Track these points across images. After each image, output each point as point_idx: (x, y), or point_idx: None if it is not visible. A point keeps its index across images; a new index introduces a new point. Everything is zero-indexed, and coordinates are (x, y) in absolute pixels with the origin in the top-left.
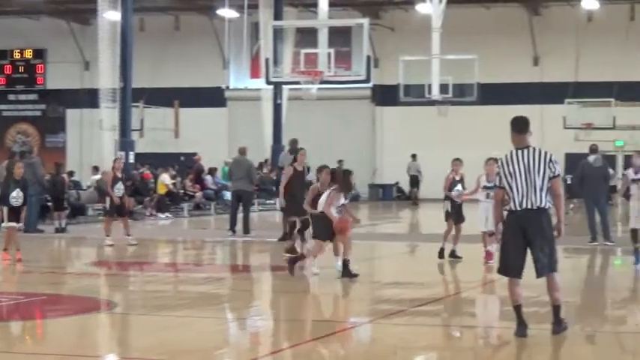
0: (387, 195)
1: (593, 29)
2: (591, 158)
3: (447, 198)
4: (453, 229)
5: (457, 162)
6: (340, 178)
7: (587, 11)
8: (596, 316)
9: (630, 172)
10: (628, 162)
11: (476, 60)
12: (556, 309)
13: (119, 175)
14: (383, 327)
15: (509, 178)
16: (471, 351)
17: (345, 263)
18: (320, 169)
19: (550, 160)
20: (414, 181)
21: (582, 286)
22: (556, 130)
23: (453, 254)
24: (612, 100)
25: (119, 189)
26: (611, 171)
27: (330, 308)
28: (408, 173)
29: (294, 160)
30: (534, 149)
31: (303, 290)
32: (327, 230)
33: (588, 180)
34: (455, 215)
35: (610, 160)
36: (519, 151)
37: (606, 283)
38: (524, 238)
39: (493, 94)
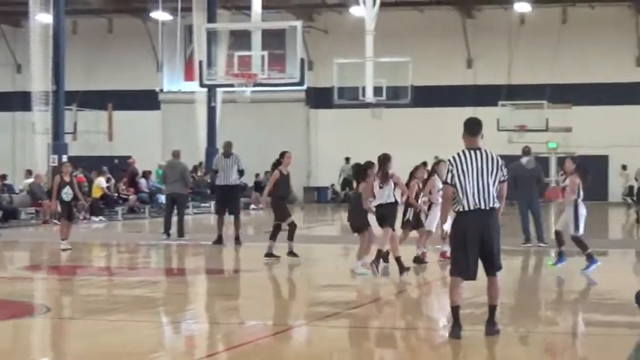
0: (322, 197)
1: (526, 32)
2: (524, 160)
3: (409, 206)
4: (408, 236)
5: (422, 168)
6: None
7: (520, 14)
8: (528, 317)
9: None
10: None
11: (409, 63)
12: (492, 309)
13: (67, 179)
14: (319, 329)
15: (461, 177)
16: (407, 352)
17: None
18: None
19: (502, 165)
20: (348, 185)
21: (515, 288)
22: (489, 133)
23: (418, 260)
24: (545, 102)
25: (67, 193)
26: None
27: (265, 311)
28: (340, 176)
29: (279, 163)
30: (486, 151)
31: (238, 293)
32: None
33: (521, 182)
34: (415, 221)
35: (543, 161)
36: (471, 152)
37: (539, 284)
38: (479, 238)
39: (427, 96)
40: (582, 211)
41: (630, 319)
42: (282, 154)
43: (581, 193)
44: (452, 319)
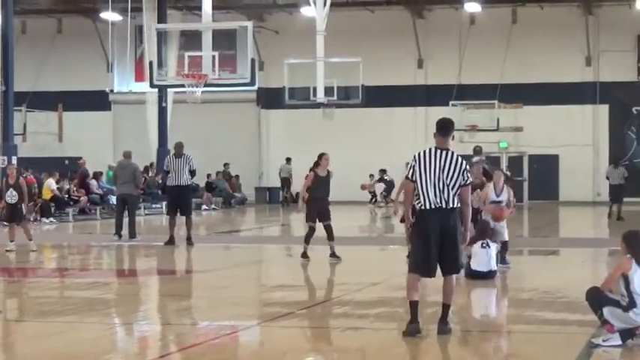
0: (273, 198)
1: (476, 32)
2: (475, 159)
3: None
4: None
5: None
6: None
7: (470, 14)
8: (480, 316)
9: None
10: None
11: (360, 63)
12: (446, 308)
13: (11, 182)
14: (270, 329)
15: (422, 174)
16: (359, 352)
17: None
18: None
19: (465, 169)
20: (285, 183)
21: (467, 287)
22: None
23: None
24: (496, 102)
25: (10, 195)
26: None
27: (216, 311)
28: (279, 175)
29: (317, 165)
30: (452, 153)
31: (190, 294)
32: None
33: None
34: None
35: (494, 161)
36: (438, 151)
37: (491, 283)
38: (439, 237)
39: (378, 96)
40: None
41: (580, 317)
42: (320, 156)
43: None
44: (410, 315)
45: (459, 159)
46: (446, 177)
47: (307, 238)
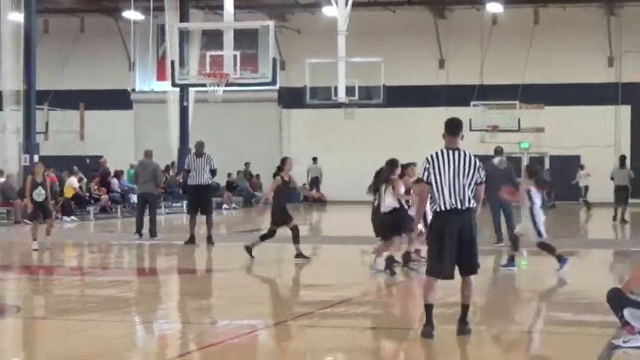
0: (294, 197)
1: (498, 32)
2: (496, 160)
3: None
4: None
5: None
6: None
7: (492, 15)
8: (500, 317)
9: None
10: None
11: (382, 63)
12: (465, 309)
13: (39, 179)
14: (290, 329)
15: (437, 176)
16: (379, 352)
17: None
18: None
19: (479, 167)
20: (315, 183)
21: (487, 287)
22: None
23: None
24: (517, 102)
25: (38, 194)
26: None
27: (237, 311)
28: (308, 175)
29: (280, 169)
30: (465, 152)
31: (209, 293)
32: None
33: (493, 182)
34: None
35: (515, 162)
36: (450, 151)
37: (511, 284)
38: (456, 238)
39: (399, 96)
40: (540, 217)
41: (602, 318)
42: (283, 160)
43: (536, 200)
44: (425, 318)
45: (472, 157)
46: (463, 176)
47: (265, 237)
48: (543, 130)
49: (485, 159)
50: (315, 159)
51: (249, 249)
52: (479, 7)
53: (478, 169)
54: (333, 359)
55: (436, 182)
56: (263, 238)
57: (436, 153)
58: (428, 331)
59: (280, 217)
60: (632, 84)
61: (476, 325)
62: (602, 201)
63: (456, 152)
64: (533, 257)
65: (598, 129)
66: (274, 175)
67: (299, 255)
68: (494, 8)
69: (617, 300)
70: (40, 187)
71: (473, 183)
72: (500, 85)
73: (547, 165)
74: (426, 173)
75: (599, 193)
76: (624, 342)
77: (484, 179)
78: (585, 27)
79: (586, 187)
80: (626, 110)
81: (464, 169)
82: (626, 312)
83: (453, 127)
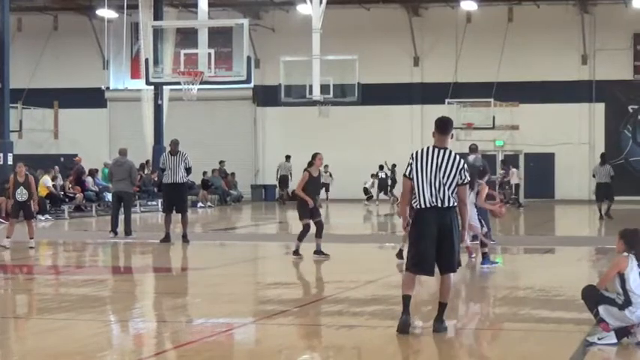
0: (269, 195)
1: (473, 30)
2: (471, 158)
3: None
4: None
5: None
6: None
7: (467, 12)
8: (475, 314)
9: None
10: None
11: (356, 60)
12: (442, 307)
13: (21, 179)
14: (266, 327)
15: (419, 172)
16: (354, 350)
17: None
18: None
19: (462, 168)
20: (283, 181)
21: (463, 284)
22: None
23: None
24: (492, 100)
25: (20, 193)
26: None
27: (212, 309)
28: (278, 172)
29: (310, 164)
30: (450, 152)
31: (185, 291)
32: None
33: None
34: None
35: (490, 159)
36: (436, 149)
37: (486, 281)
38: (436, 235)
39: (374, 94)
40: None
41: (576, 315)
42: (314, 156)
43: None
44: (402, 309)
45: (457, 158)
46: (442, 176)
47: (301, 236)
48: (518, 128)
49: (460, 157)
50: (288, 157)
51: (296, 252)
52: (453, 5)
53: (461, 171)
54: (310, 357)
55: (417, 179)
56: (300, 237)
57: (422, 150)
58: (403, 321)
59: (306, 212)
60: (605, 81)
61: (451, 322)
62: (580, 198)
63: (442, 151)
64: (508, 255)
65: (572, 126)
66: (304, 171)
67: (318, 252)
68: (469, 6)
69: (592, 297)
70: (22, 187)
71: (454, 183)
72: (475, 82)
73: (522, 162)
74: (408, 169)
75: (575, 191)
76: (599, 339)
77: (467, 181)
78: (559, 25)
79: (517, 186)
80: (600, 108)
81: (445, 168)
82: (601, 309)
83: (443, 126)
